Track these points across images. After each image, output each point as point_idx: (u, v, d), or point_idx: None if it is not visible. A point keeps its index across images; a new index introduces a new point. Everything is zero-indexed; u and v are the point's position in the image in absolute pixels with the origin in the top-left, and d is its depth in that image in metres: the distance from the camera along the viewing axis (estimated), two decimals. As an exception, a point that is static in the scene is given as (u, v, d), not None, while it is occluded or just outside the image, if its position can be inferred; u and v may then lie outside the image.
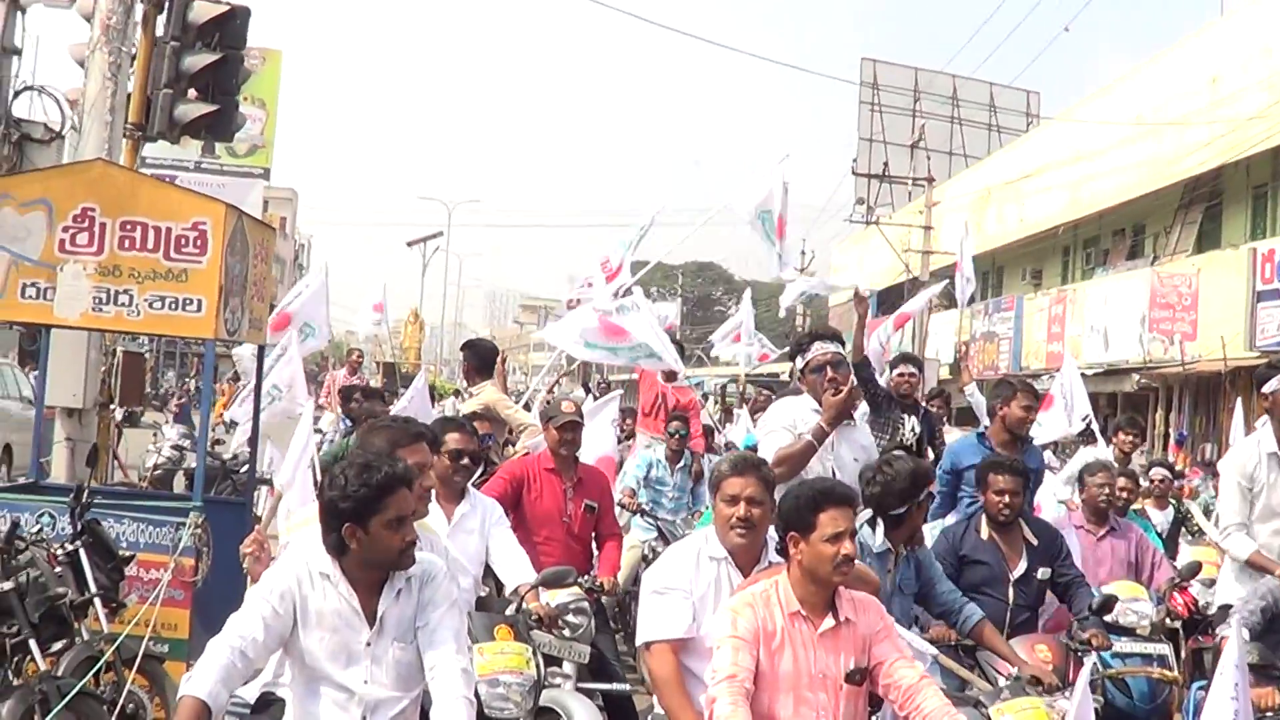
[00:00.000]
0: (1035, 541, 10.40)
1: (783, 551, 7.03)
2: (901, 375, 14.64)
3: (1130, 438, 16.92)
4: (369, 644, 6.19)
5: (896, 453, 10.39)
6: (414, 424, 7.95)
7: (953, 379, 46.05)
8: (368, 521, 6.11)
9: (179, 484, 20.71)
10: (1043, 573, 10.35)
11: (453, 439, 9.23)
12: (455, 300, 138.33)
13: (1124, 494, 13.20)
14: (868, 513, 9.17)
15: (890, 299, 65.42)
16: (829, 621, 6.82)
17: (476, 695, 6.85)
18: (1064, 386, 19.29)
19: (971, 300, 31.06)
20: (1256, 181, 39.28)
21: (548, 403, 17.47)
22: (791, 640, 6.76)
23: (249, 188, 37.83)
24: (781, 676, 6.72)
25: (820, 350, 9.97)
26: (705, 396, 74.96)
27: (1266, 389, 10.29)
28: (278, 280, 68.20)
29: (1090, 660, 8.76)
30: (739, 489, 7.47)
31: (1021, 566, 10.26)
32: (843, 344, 10.82)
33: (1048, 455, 22.06)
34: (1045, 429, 19.09)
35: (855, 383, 9.48)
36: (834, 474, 9.73)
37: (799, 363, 10.11)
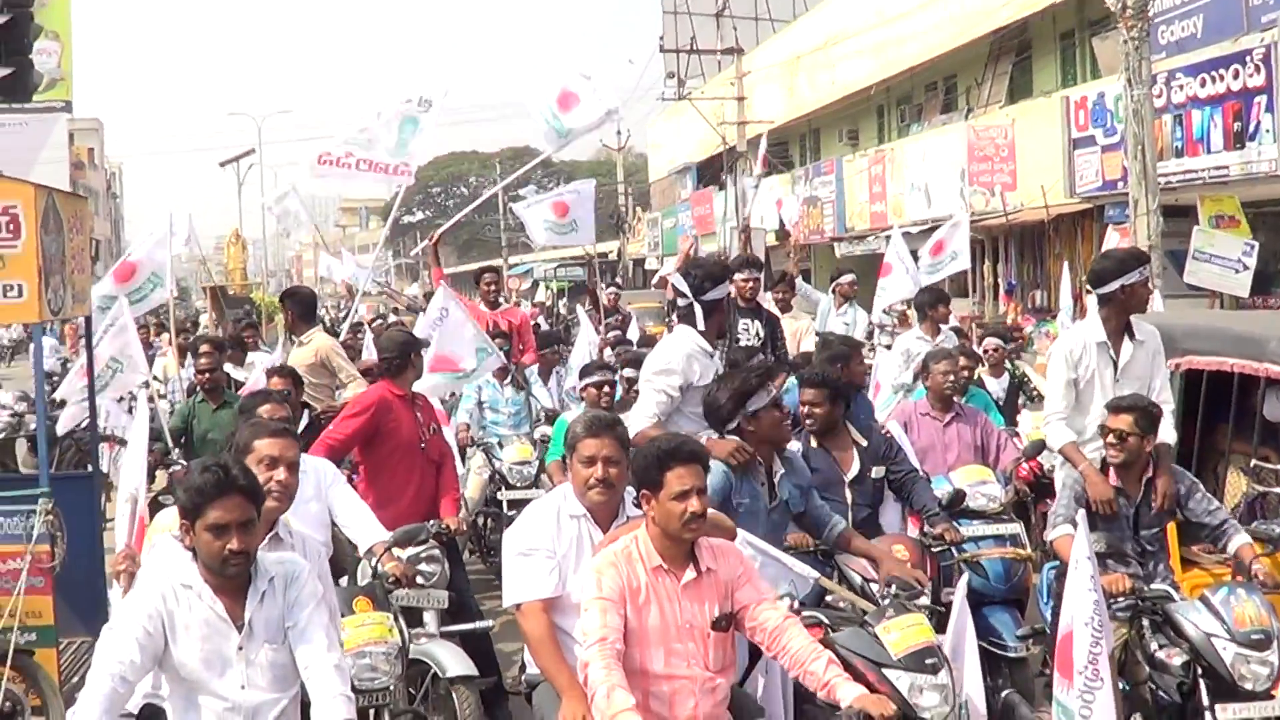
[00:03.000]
0: (864, 443, 10.59)
1: (640, 506, 7.10)
2: (745, 280, 14.66)
3: (946, 309, 17.15)
4: (241, 648, 6.21)
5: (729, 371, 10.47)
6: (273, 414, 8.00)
7: (779, 244, 46.32)
8: (194, 523, 6.18)
9: (21, 449, 20.38)
10: (876, 472, 10.56)
11: (264, 411, 9.14)
12: (276, 211, 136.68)
13: (964, 372, 13.45)
14: None
15: (711, 170, 65.64)
16: (690, 573, 6.91)
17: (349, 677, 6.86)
18: (899, 254, 20.64)
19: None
20: (1063, 29, 39.53)
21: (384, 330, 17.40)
22: (656, 594, 6.85)
23: (52, 123, 36.86)
24: (650, 630, 6.81)
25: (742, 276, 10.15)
26: (536, 283, 74.89)
27: (1104, 289, 10.40)
28: (93, 213, 67.08)
29: (964, 579, 8.91)
30: (595, 450, 7.54)
31: (854, 468, 10.45)
32: (755, 280, 10.83)
33: (878, 315, 22.59)
34: (888, 292, 20.07)
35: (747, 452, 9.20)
36: None
37: (721, 290, 10.26)
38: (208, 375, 14.49)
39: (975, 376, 15.68)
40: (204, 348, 15.56)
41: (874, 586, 8.94)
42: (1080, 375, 10.34)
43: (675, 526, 6.84)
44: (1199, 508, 9.45)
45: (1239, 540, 9.23)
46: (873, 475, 10.51)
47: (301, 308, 15.74)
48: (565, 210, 24.60)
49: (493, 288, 18.91)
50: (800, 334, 17.77)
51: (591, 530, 7.60)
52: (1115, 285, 10.26)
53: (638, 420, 9.81)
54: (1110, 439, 9.38)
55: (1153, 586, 8.77)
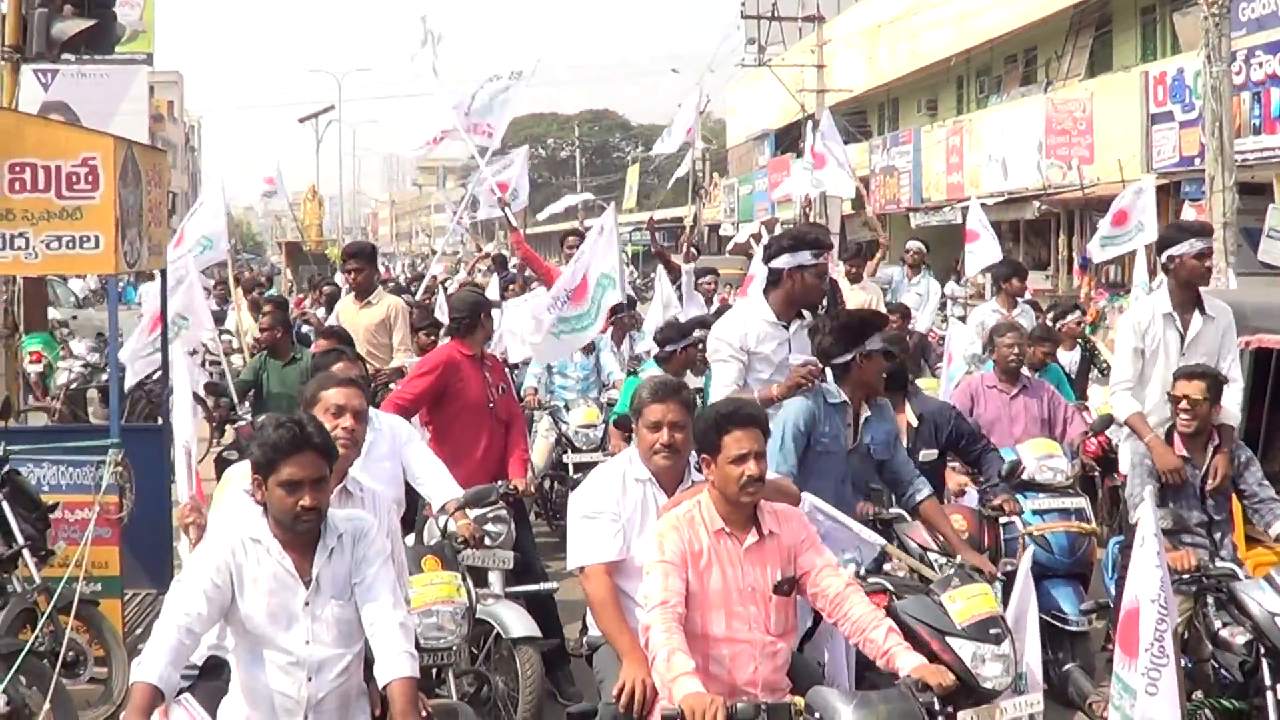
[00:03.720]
0: (915, 423, 10.55)
1: (701, 470, 7.14)
2: None
3: (1020, 283, 17.06)
4: (307, 604, 6.27)
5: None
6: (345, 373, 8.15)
7: (855, 214, 46.27)
8: (267, 478, 6.23)
9: (93, 398, 20.53)
10: (925, 454, 10.46)
11: (337, 369, 9.15)
12: (352, 169, 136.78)
13: (1044, 355, 13.52)
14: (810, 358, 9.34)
15: (789, 137, 65.47)
16: (753, 537, 6.93)
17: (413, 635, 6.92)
18: (980, 220, 21.41)
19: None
20: (1145, 4, 39.35)
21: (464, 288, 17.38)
22: (718, 558, 6.86)
23: (132, 75, 37.00)
24: (711, 594, 6.82)
25: (825, 259, 9.97)
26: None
27: (1166, 254, 10.41)
28: (171, 166, 67.47)
29: (1029, 552, 8.91)
30: (661, 415, 7.54)
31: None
32: (829, 247, 10.75)
33: (951, 286, 22.66)
34: (977, 256, 20.42)
35: (819, 366, 9.22)
36: None
37: (786, 260, 9.87)
38: (268, 333, 14.52)
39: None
40: (267, 307, 15.61)
41: (932, 556, 8.95)
42: (1146, 345, 10.34)
43: (733, 490, 6.86)
44: (1252, 478, 9.51)
45: None
46: (921, 456, 10.41)
47: (373, 262, 15.64)
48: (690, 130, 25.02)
49: (575, 250, 18.82)
50: (869, 306, 17.70)
51: (656, 494, 7.62)
52: (1165, 255, 10.33)
53: (718, 392, 9.74)
54: (1183, 405, 9.39)
55: (1217, 564, 8.78)
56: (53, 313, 27.12)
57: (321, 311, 21.93)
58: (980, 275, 23.08)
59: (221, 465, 9.56)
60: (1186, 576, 8.57)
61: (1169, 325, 10.34)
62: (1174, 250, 10.34)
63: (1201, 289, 10.49)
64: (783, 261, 9.86)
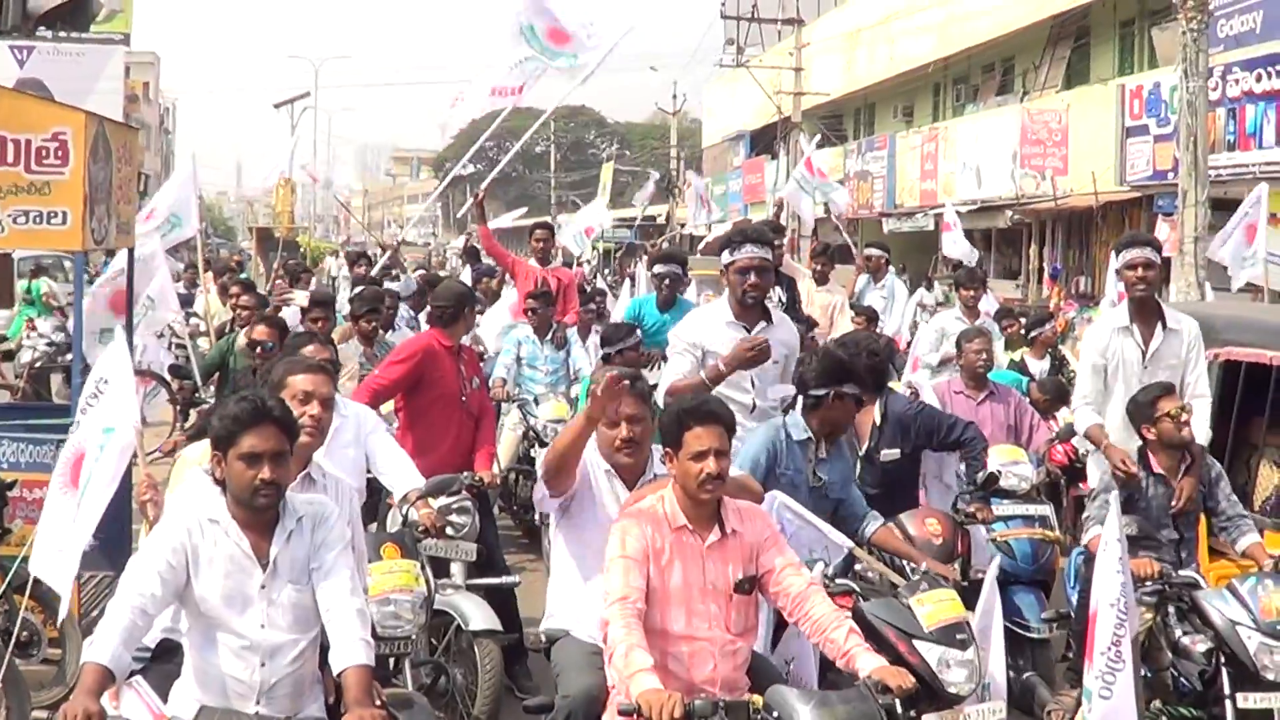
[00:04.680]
0: (878, 421, 10.40)
1: (665, 464, 7.11)
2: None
3: (971, 292, 16.91)
4: (263, 587, 6.17)
5: (858, 338, 10.54)
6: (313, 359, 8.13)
7: (826, 217, 46.35)
8: (226, 452, 6.15)
9: (56, 380, 20.44)
10: (887, 454, 10.29)
11: (308, 352, 9.05)
12: (326, 157, 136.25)
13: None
14: (789, 389, 9.37)
15: (765, 139, 65.52)
16: (715, 534, 6.88)
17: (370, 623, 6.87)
18: (955, 216, 23.69)
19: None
20: (1124, 17, 39.51)
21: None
22: (680, 554, 6.82)
23: (108, 55, 36.80)
24: (672, 590, 6.78)
25: (749, 254, 9.90)
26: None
27: (1119, 262, 10.46)
28: (144, 147, 67.16)
29: (995, 561, 8.89)
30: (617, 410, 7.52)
31: (864, 446, 10.26)
32: (775, 246, 10.76)
33: (920, 293, 22.89)
34: (956, 246, 21.40)
35: (768, 344, 9.44)
36: (753, 382, 9.79)
37: (725, 257, 9.98)
38: (249, 312, 14.40)
39: (1020, 358, 15.82)
40: (234, 289, 15.49)
41: (901, 560, 8.91)
42: (1107, 360, 10.34)
43: (693, 486, 6.81)
44: (1222, 495, 9.49)
45: (1250, 539, 9.29)
46: (883, 457, 10.28)
47: (331, 312, 14.92)
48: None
49: (542, 244, 18.60)
50: (833, 308, 17.63)
51: (618, 488, 7.62)
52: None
53: (666, 380, 9.92)
54: (1184, 420, 9.35)
55: (1180, 573, 8.78)
56: (47, 287, 27.13)
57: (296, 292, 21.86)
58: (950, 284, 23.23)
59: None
60: (1149, 585, 8.58)
61: (1127, 338, 10.34)
62: (1115, 262, 10.45)
63: (1165, 302, 10.53)
64: (723, 259, 10.03)
